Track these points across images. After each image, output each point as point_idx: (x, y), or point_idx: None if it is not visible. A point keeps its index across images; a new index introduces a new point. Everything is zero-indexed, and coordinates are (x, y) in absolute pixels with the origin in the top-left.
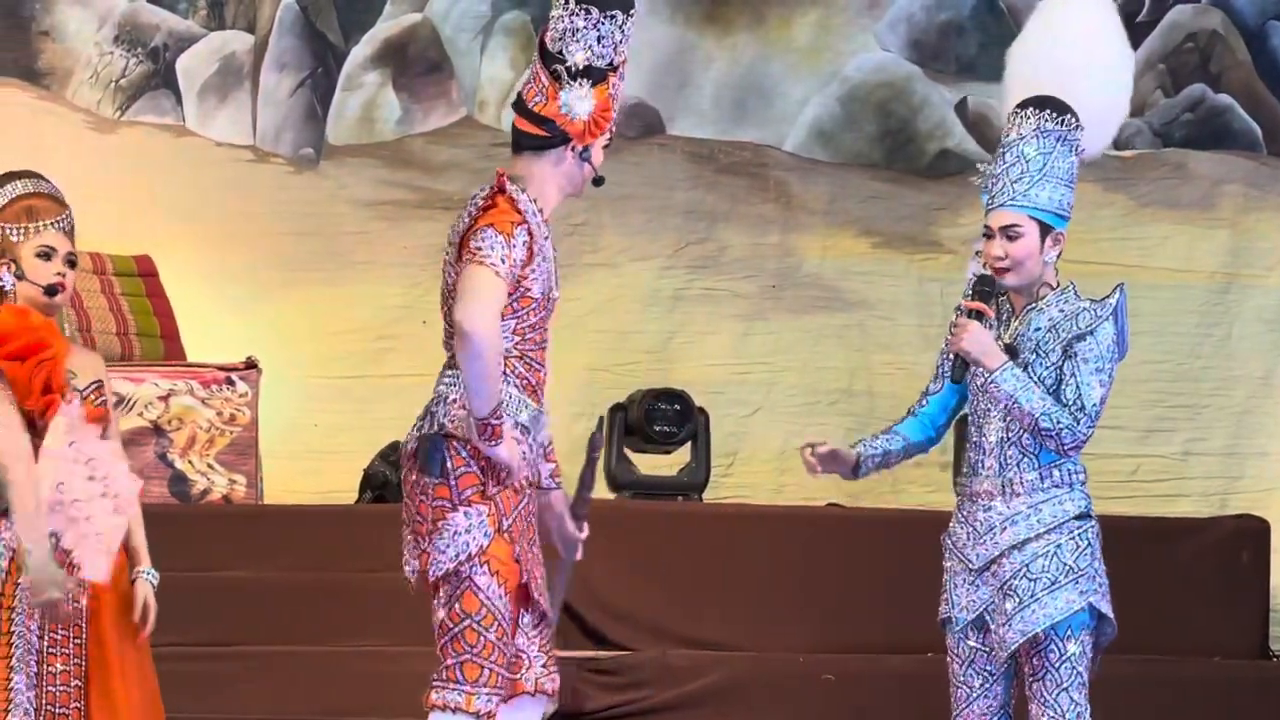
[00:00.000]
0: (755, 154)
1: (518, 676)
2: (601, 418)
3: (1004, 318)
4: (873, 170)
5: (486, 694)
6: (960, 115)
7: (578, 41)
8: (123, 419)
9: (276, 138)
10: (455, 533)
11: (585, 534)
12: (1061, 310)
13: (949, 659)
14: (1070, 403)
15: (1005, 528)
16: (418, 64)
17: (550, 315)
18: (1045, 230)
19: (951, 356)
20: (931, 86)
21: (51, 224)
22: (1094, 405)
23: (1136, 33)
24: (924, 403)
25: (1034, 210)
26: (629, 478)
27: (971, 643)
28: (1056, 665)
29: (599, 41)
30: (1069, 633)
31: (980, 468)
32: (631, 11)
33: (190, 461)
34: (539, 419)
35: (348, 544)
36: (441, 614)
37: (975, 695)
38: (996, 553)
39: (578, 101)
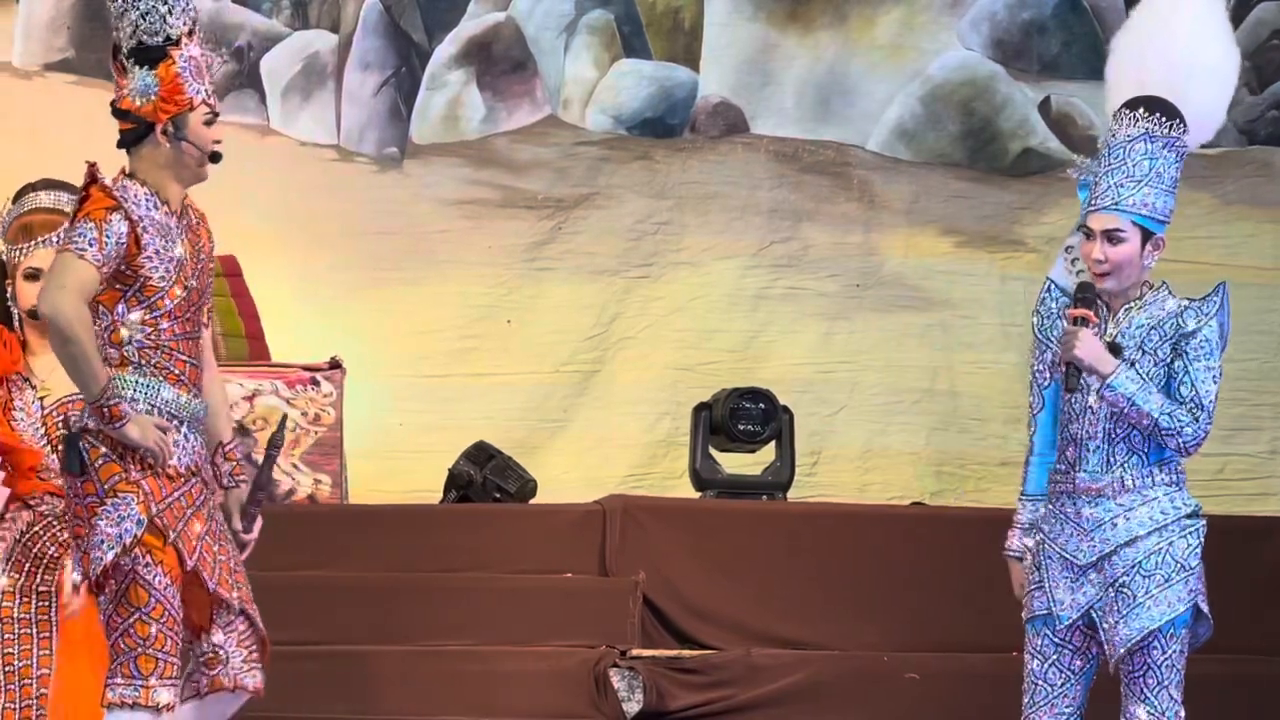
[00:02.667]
0: (838, 153)
1: (215, 673)
2: (285, 415)
3: (1102, 317)
4: (955, 169)
5: (163, 686)
6: (1043, 114)
7: (123, 27)
8: None
9: (360, 137)
10: (108, 525)
11: (253, 535)
12: (1162, 309)
13: (1028, 657)
14: (1187, 400)
15: (1115, 524)
16: (501, 63)
17: (196, 307)
18: (1146, 235)
19: (1063, 366)
20: (1014, 85)
21: (42, 243)
22: (1210, 402)
23: None
24: (1035, 428)
25: (1137, 216)
26: (714, 477)
27: (1069, 641)
28: (1159, 663)
29: (144, 19)
30: (1172, 631)
31: (1083, 465)
32: None
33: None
34: (193, 409)
35: (432, 544)
36: (110, 610)
37: (1054, 694)
38: (1108, 549)
39: (140, 85)
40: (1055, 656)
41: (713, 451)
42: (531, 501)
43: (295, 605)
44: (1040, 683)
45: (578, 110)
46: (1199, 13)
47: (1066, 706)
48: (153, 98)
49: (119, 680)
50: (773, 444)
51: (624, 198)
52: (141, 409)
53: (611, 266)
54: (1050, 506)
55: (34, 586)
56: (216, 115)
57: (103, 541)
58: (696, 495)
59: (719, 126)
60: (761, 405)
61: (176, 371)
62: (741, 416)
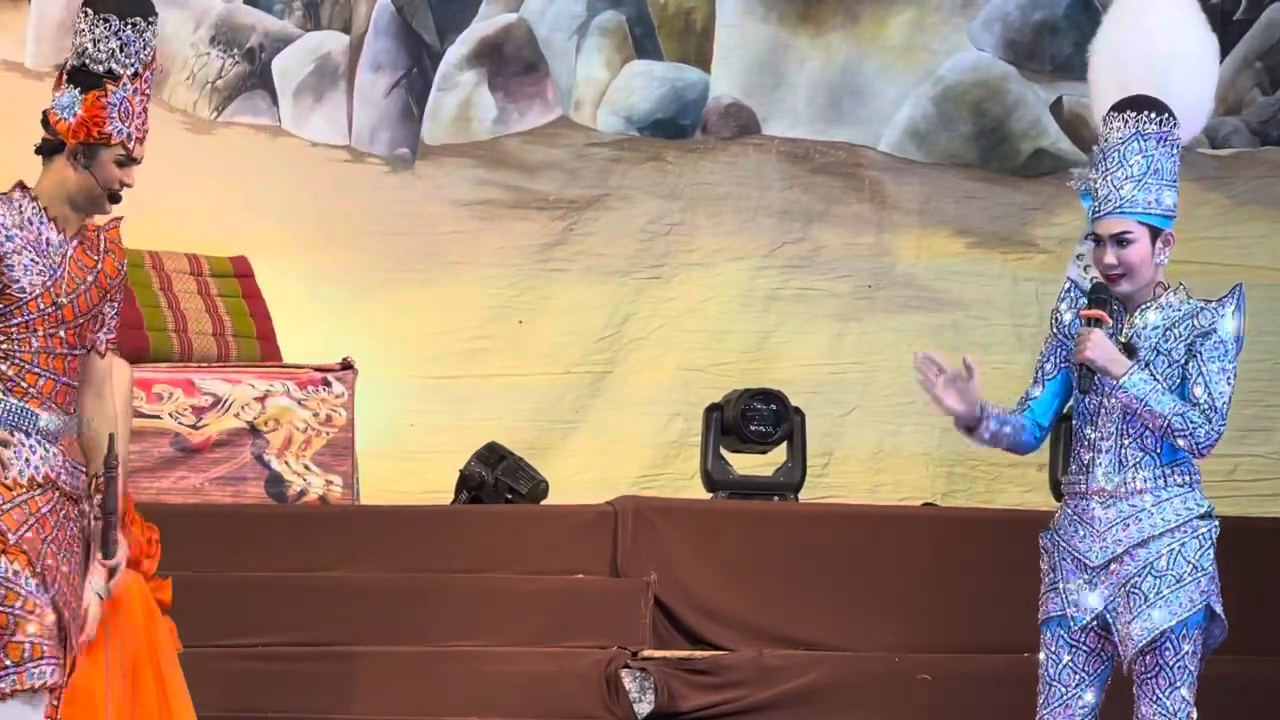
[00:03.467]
0: (850, 154)
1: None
2: (111, 434)
3: (1117, 318)
4: (967, 170)
5: (38, 668)
6: (1055, 115)
7: (75, 43)
8: (219, 420)
9: (372, 138)
10: None
11: (116, 560)
12: (1177, 309)
13: (1043, 658)
14: (1200, 401)
15: (1128, 525)
16: (513, 64)
17: (73, 326)
18: (1155, 233)
19: (1077, 367)
20: (1026, 86)
21: None
22: (1224, 403)
23: (1233, 31)
24: (1026, 407)
25: (1143, 215)
26: (725, 477)
27: (1083, 642)
28: (1171, 664)
29: (94, 45)
30: (1184, 631)
31: (1095, 466)
32: (134, 20)
33: (287, 462)
34: (46, 424)
35: (444, 544)
36: None
37: (1068, 695)
38: (1119, 550)
39: (66, 103)
40: (1069, 658)
41: (724, 452)
42: (543, 502)
43: (307, 606)
44: (1054, 684)
45: (589, 111)
46: (1171, 5)
47: (1081, 708)
48: (70, 119)
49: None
50: (784, 445)
51: (635, 199)
52: None
53: (623, 267)
54: (1064, 508)
55: None
56: (134, 162)
57: None
58: (708, 496)
59: (730, 127)
60: (773, 406)
61: (25, 385)
62: (753, 417)
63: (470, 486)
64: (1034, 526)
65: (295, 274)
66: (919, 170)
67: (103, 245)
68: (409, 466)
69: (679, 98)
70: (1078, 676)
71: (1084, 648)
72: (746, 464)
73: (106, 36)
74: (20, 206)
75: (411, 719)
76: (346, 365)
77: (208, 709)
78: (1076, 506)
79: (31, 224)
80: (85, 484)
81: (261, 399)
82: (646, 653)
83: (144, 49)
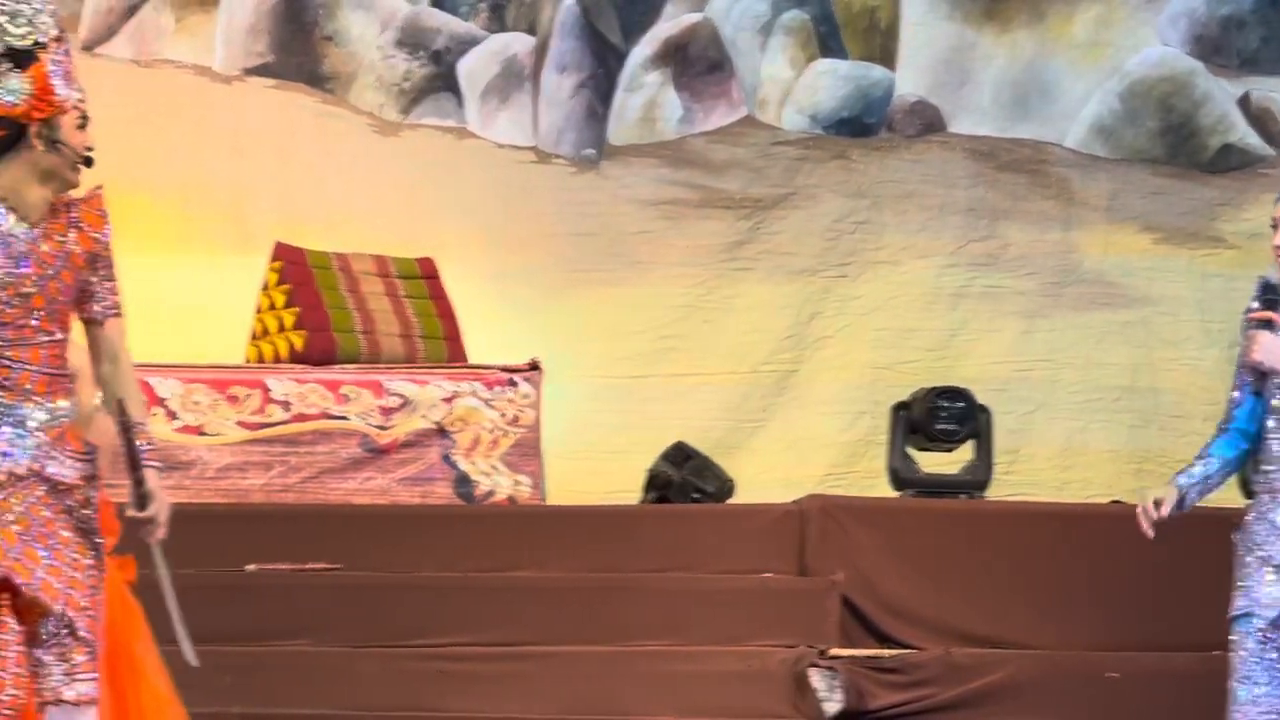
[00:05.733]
0: (1036, 151)
1: (40, 686)
2: (120, 399)
3: None
4: (1154, 166)
5: None
6: (1243, 110)
7: None
8: (407, 421)
9: (558, 139)
10: None
11: (149, 512)
12: None
13: (1234, 655)
14: None
15: None
16: (698, 64)
17: (29, 313)
18: None
19: (1250, 369)
20: (1213, 81)
21: None
22: None
23: None
24: (1231, 417)
25: None
26: (912, 476)
27: (1273, 639)
28: None
29: (11, 21)
30: None
31: None
32: None
33: (474, 463)
34: (20, 415)
35: (632, 544)
36: None
37: (1260, 694)
38: None
39: (14, 87)
40: (1260, 653)
41: (910, 450)
42: (729, 501)
43: (494, 607)
44: (1245, 682)
45: (774, 110)
46: None
47: (1272, 705)
48: (24, 99)
49: None
50: (971, 443)
51: (821, 197)
52: None
53: (809, 266)
54: (1254, 506)
55: None
56: (87, 120)
57: None
58: (895, 494)
59: (915, 125)
60: (960, 404)
61: None
62: (939, 415)
63: (657, 486)
64: (1224, 524)
65: (482, 275)
66: (1106, 166)
67: (75, 218)
68: (596, 466)
69: (864, 96)
70: (1269, 674)
71: (1275, 644)
72: (933, 462)
73: (18, 10)
74: None
75: (598, 718)
76: (533, 366)
77: (396, 709)
78: (1265, 504)
79: None
80: (87, 470)
81: (449, 400)
82: (834, 651)
83: (54, 11)
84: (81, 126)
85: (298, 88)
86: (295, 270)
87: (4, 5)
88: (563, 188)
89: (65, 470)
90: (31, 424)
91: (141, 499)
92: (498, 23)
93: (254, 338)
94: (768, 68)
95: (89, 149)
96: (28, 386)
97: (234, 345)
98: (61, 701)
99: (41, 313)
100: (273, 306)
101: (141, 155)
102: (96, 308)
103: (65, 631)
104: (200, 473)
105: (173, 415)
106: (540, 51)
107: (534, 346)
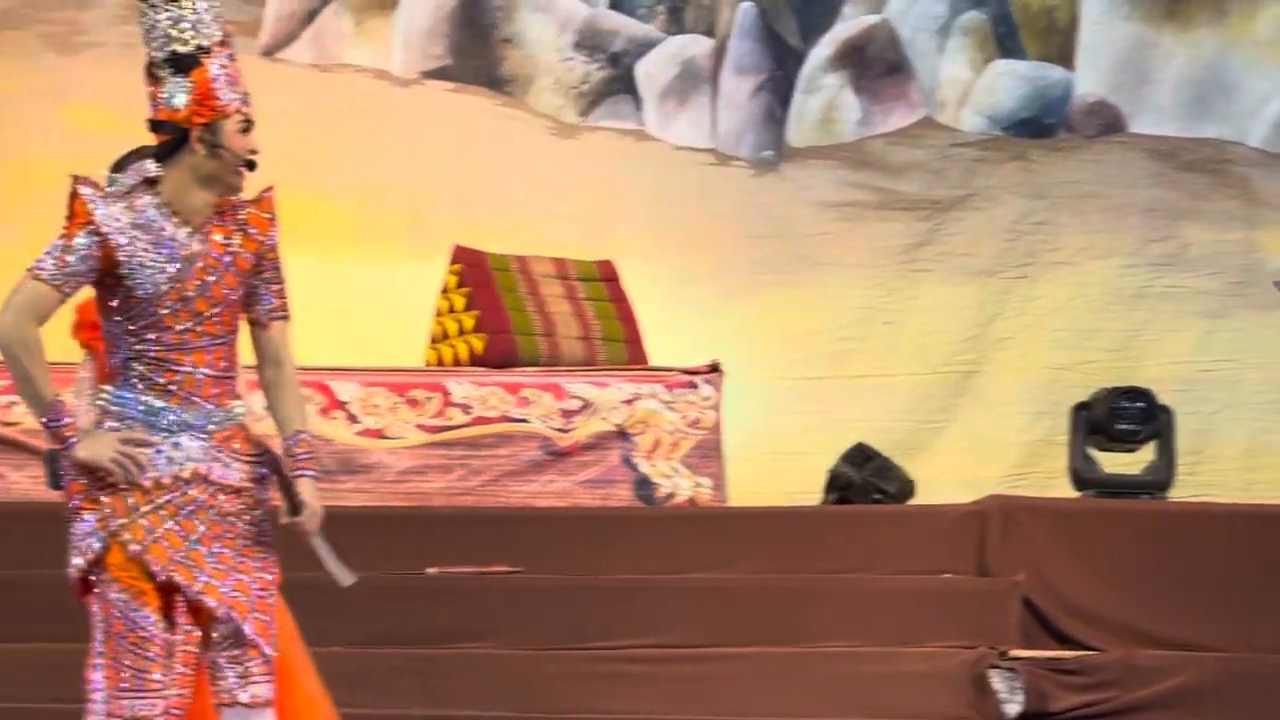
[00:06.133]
0: (1217, 150)
1: (216, 688)
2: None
3: None
4: None
5: (130, 699)
6: None
7: (154, 38)
8: (587, 423)
9: (737, 141)
10: (74, 541)
11: (301, 518)
12: None
13: None
14: None
15: None
16: (877, 65)
17: (193, 316)
18: None
19: None
20: None
21: None
22: None
23: None
24: None
25: None
26: (1093, 476)
27: None
28: None
29: (175, 26)
30: None
31: None
32: None
33: (655, 465)
34: (188, 419)
35: (813, 545)
36: (95, 622)
37: None
38: None
39: (173, 92)
40: None
41: (1092, 451)
42: (910, 502)
43: (675, 609)
44: None
45: (953, 112)
46: None
47: None
48: (186, 104)
49: (91, 689)
50: (1153, 443)
51: (1000, 198)
52: (111, 425)
53: (989, 267)
54: None
55: None
56: (251, 124)
57: (71, 554)
58: (1076, 495)
59: (1095, 125)
60: (1141, 404)
61: (163, 382)
62: (1121, 416)
63: (838, 487)
64: None
65: (661, 277)
66: None
67: (242, 221)
68: (776, 468)
69: (1043, 96)
70: None
71: None
72: (1115, 463)
73: (181, 15)
74: (140, 206)
75: None
76: (714, 368)
77: (577, 711)
78: None
79: (154, 223)
80: (252, 472)
81: (629, 402)
82: (1015, 653)
83: (218, 15)
84: (245, 130)
85: (476, 91)
86: (475, 273)
87: (168, 10)
88: (741, 190)
89: (232, 473)
90: (197, 427)
91: (295, 508)
92: (676, 25)
93: (434, 341)
94: (946, 69)
95: (253, 153)
96: (193, 390)
97: (414, 348)
98: (237, 704)
99: (206, 316)
100: (452, 310)
101: (321, 159)
102: (261, 310)
103: (236, 634)
104: (381, 476)
105: (353, 419)
106: (719, 53)
107: (714, 348)
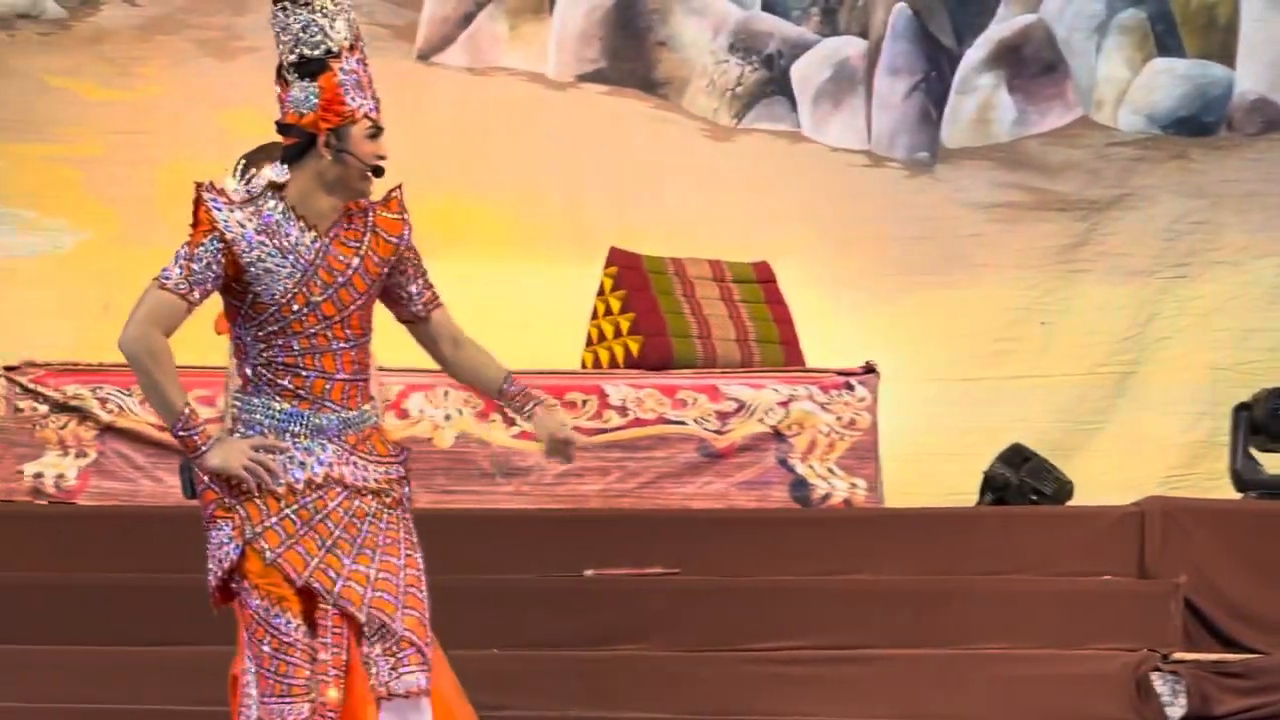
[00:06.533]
0: None
1: (372, 682)
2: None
3: None
4: None
5: (278, 704)
6: None
7: (284, 41)
8: (743, 425)
9: (891, 142)
10: (211, 550)
11: (567, 438)
12: None
13: None
14: None
15: None
16: (1032, 65)
17: (321, 321)
18: None
19: None
20: None
21: None
22: None
23: None
24: None
25: None
26: (1255, 478)
27: None
28: None
29: (304, 31)
30: None
31: None
32: None
33: (811, 466)
34: (322, 422)
35: (969, 546)
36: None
37: None
38: None
39: (301, 96)
40: None
41: (1254, 452)
42: (1068, 504)
43: (831, 610)
44: None
45: (1110, 111)
46: None
47: None
48: (313, 109)
49: (249, 696)
50: None
51: (1158, 198)
52: (241, 432)
53: (1147, 267)
54: None
55: None
56: (380, 130)
57: (209, 564)
58: (1237, 497)
59: (1256, 124)
60: None
61: (292, 387)
62: None
63: (995, 488)
64: None
65: (816, 278)
66: None
67: (371, 223)
68: (932, 469)
69: (1202, 95)
70: None
71: None
72: (1277, 464)
73: (312, 19)
74: (266, 211)
75: None
76: (869, 369)
77: (734, 713)
78: None
79: (279, 227)
80: (394, 472)
81: (785, 403)
82: (1178, 655)
83: (349, 19)
84: (373, 136)
85: (631, 93)
86: (631, 276)
87: (299, 14)
88: (896, 191)
89: (368, 475)
90: (329, 431)
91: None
92: (829, 26)
93: (590, 343)
94: (1103, 68)
95: (380, 158)
96: (322, 394)
97: (570, 351)
98: (392, 695)
99: (333, 320)
100: (608, 312)
101: (477, 163)
102: (415, 307)
103: (385, 627)
104: (538, 478)
105: (510, 421)
106: (873, 54)
107: (869, 349)
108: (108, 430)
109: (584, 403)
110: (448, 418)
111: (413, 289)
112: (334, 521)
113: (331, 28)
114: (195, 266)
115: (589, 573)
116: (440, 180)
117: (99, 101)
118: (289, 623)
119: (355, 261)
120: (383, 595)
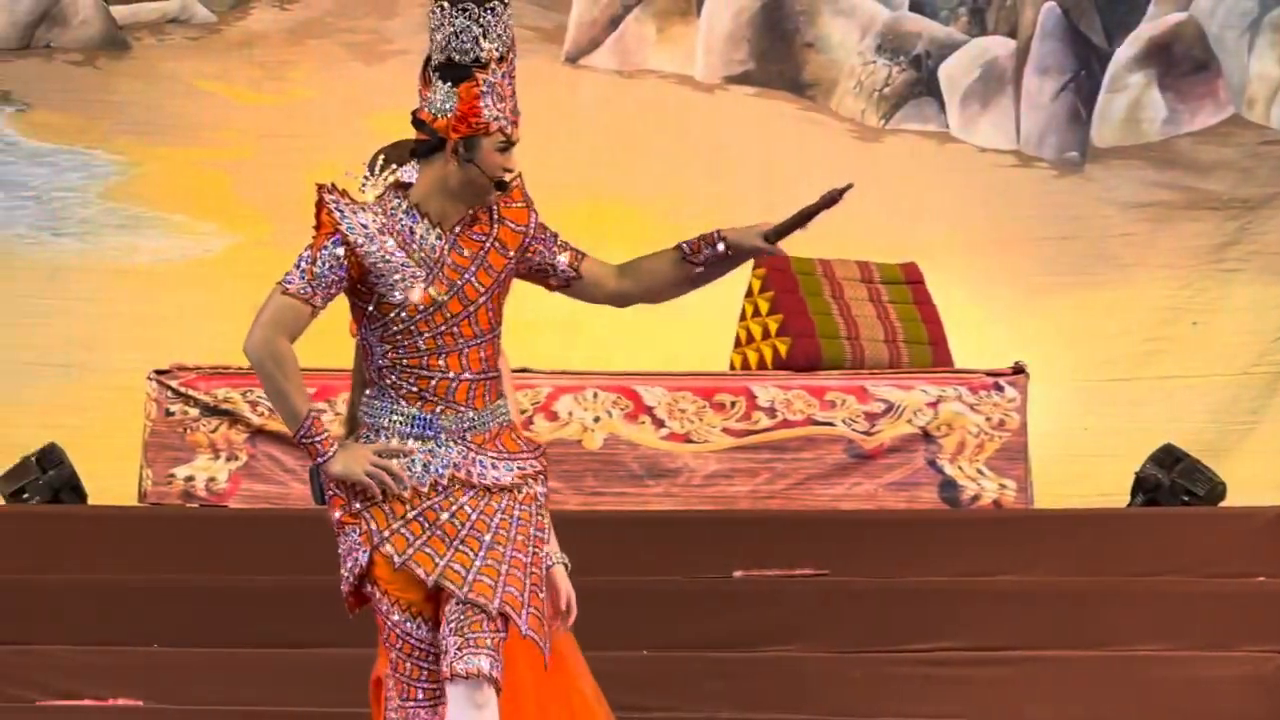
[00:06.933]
0: None
1: (441, 668)
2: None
3: None
4: None
5: (413, 708)
6: None
7: (436, 40)
8: (892, 426)
9: (1040, 142)
10: (342, 556)
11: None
12: None
13: None
14: None
15: None
16: (1183, 63)
17: (446, 320)
18: None
19: None
20: None
21: None
22: None
23: None
24: None
25: None
26: None
27: None
28: None
29: (456, 37)
30: None
31: None
32: (492, 4)
33: (960, 467)
34: (448, 423)
35: (1120, 547)
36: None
37: None
38: None
39: (439, 100)
40: None
41: None
42: (1220, 504)
43: (981, 611)
44: None
45: (1262, 109)
46: None
47: None
48: (448, 114)
49: (392, 699)
50: None
51: None
52: (367, 435)
53: None
54: None
55: None
56: (511, 144)
57: (342, 570)
58: None
59: None
60: None
61: (417, 389)
62: None
63: (1146, 489)
64: None
65: (965, 279)
66: None
67: (496, 217)
68: (1082, 469)
69: None
70: None
71: None
72: None
73: (468, 25)
74: (390, 209)
75: None
76: (1018, 369)
77: (883, 714)
78: None
79: (404, 226)
80: (526, 469)
81: (934, 404)
82: None
83: (505, 31)
84: (503, 149)
85: (779, 95)
86: (779, 277)
87: (455, 20)
88: (1045, 191)
89: (497, 473)
90: (454, 432)
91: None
92: (978, 26)
93: (738, 345)
94: (1255, 65)
95: (507, 171)
96: (448, 394)
97: (719, 353)
98: (455, 676)
99: (460, 317)
100: (757, 313)
101: (625, 165)
102: (565, 272)
103: (471, 610)
104: (687, 480)
105: (659, 423)
106: (1022, 54)
107: (1018, 350)
108: (258, 433)
109: (732, 404)
110: (596, 420)
111: (556, 261)
112: (461, 520)
113: (485, 38)
114: (317, 270)
115: (738, 574)
116: (588, 182)
117: (248, 105)
118: (419, 627)
119: (481, 256)
120: (512, 591)
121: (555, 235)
